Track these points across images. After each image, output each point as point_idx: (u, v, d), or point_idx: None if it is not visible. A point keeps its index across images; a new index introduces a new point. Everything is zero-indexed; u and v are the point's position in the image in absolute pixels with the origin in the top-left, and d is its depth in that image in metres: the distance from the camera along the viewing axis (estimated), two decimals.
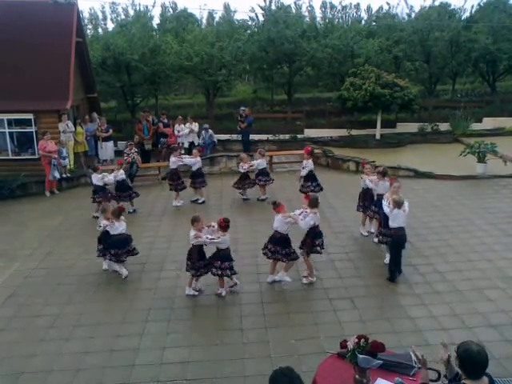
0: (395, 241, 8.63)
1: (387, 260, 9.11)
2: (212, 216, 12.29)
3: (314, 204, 8.44)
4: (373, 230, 10.50)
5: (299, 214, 8.38)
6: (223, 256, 8.11)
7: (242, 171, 13.31)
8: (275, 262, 8.52)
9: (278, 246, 8.35)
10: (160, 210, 13.06)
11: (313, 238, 8.46)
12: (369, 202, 10.46)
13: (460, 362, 3.80)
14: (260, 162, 13.35)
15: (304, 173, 12.74)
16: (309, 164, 12.72)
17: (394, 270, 8.63)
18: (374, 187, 10.17)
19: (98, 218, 11.93)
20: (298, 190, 12.86)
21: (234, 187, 13.58)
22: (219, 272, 8.10)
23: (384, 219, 9.05)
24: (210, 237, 8.00)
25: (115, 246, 8.92)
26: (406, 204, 8.58)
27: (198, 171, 13.36)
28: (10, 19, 16.48)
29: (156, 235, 11.16)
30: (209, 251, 8.34)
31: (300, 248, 8.60)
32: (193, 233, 8.02)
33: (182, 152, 17.95)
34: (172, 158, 13.33)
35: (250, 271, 8.92)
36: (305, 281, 8.59)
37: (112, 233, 8.91)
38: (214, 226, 8.19)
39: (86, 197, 13.48)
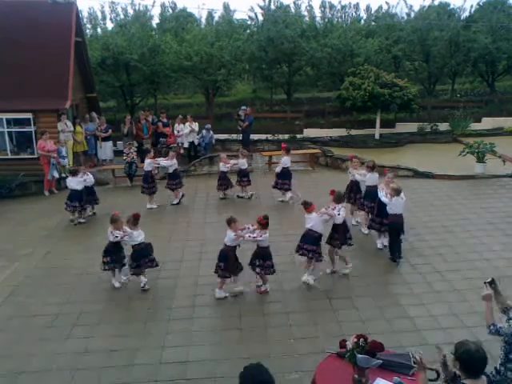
0: (394, 226, 9.20)
1: (380, 245, 9.92)
2: (210, 214, 12.31)
3: (340, 199, 8.67)
4: (359, 220, 11.18)
5: (333, 210, 8.50)
6: (264, 254, 8.13)
7: (225, 170, 13.36)
8: (309, 262, 8.52)
9: (315, 246, 8.35)
10: (158, 209, 13.05)
11: (344, 232, 8.69)
12: (355, 193, 11.05)
13: (461, 363, 3.79)
14: (243, 162, 13.45)
15: (278, 169, 12.96)
16: (283, 160, 12.95)
17: (395, 250, 9.25)
18: (363, 179, 10.74)
19: (80, 223, 11.88)
20: (272, 186, 13.22)
21: (218, 189, 13.62)
22: (261, 271, 8.15)
23: (378, 208, 9.70)
24: (252, 235, 7.98)
25: (136, 258, 8.35)
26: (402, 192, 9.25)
27: (174, 172, 13.28)
28: (9, 19, 16.47)
29: (155, 235, 11.11)
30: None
31: (329, 244, 8.75)
32: (232, 233, 7.98)
33: (181, 152, 18.06)
34: (146, 160, 13.14)
35: (249, 271, 8.89)
36: (346, 271, 8.79)
37: (132, 243, 8.37)
38: (248, 228, 8.15)
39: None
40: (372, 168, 10.63)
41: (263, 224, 7.97)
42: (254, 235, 7.96)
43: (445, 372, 4.08)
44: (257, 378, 3.26)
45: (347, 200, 11.10)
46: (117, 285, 8.64)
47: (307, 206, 8.43)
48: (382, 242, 9.94)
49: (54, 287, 8.83)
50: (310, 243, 8.36)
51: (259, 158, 17.25)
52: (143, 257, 8.41)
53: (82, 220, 12.07)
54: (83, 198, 12.00)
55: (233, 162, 13.53)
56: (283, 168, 12.91)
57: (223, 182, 13.45)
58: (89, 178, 12.14)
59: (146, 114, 17.75)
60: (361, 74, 19.87)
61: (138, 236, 8.37)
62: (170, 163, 13.19)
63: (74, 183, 11.83)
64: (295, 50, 22.14)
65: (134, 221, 8.37)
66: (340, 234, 8.67)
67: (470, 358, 3.75)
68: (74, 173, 12.01)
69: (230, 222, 8.02)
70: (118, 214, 8.66)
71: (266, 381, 3.26)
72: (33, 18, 16.54)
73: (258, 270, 8.17)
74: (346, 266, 8.88)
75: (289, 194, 13.02)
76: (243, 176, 13.53)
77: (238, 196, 13.61)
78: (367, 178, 10.66)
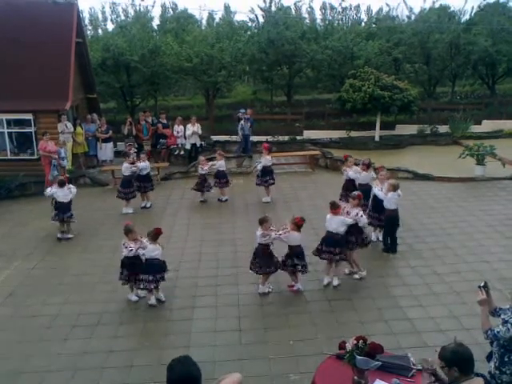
0: (391, 220, 9.63)
1: (374, 238, 10.22)
2: (209, 215, 12.32)
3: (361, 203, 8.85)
4: None
5: (356, 215, 8.52)
6: (296, 253, 8.16)
7: (203, 172, 13.29)
8: (331, 263, 8.54)
9: (337, 247, 8.37)
10: (159, 210, 13.04)
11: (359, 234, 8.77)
12: (351, 192, 10.92)
13: (457, 366, 3.79)
14: (221, 164, 13.47)
15: (259, 167, 13.23)
16: (263, 160, 13.19)
17: (394, 242, 9.73)
18: (357, 176, 10.99)
19: (61, 239, 11.10)
20: (255, 183, 13.47)
21: (194, 189, 13.52)
22: (293, 269, 8.20)
23: (373, 204, 10.03)
24: (278, 233, 8.07)
25: (146, 272, 7.95)
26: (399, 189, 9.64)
27: (147, 175, 13.16)
28: (9, 19, 16.48)
29: None
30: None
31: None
32: (259, 232, 8.09)
33: (181, 153, 18.03)
34: (125, 164, 12.79)
35: (248, 272, 8.90)
36: (357, 276, 8.77)
37: (146, 256, 7.99)
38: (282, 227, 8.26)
39: (85, 197, 13.51)
40: (368, 166, 10.90)
41: (298, 225, 8.02)
42: (280, 233, 8.05)
43: (439, 382, 4.10)
44: (184, 370, 3.31)
45: (341, 198, 11.26)
46: (134, 298, 8.26)
47: (335, 207, 8.39)
48: (377, 235, 10.34)
49: (54, 288, 8.83)
50: (339, 246, 8.37)
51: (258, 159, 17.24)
52: (154, 272, 7.96)
53: (70, 235, 11.28)
54: (71, 210, 11.26)
55: (211, 163, 13.45)
56: (265, 167, 13.10)
57: (204, 184, 13.36)
58: (73, 192, 11.35)
59: (145, 115, 17.75)
60: (361, 76, 19.88)
61: (154, 251, 7.96)
62: (145, 165, 13.06)
63: (61, 194, 11.07)
64: (296, 52, 22.15)
65: (155, 236, 7.98)
66: (353, 236, 8.75)
67: (461, 357, 3.77)
68: (61, 184, 11.20)
69: (262, 222, 8.12)
70: (130, 223, 8.39)
71: (193, 374, 3.31)
72: (33, 18, 16.53)
73: (290, 269, 8.23)
74: (359, 272, 8.95)
75: (268, 198, 13.22)
76: (222, 177, 13.51)
77: (219, 199, 13.58)
78: (362, 176, 10.89)
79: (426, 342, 6.76)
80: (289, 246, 8.22)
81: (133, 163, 12.95)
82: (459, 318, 7.38)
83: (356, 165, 11.66)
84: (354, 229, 8.62)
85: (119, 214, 12.61)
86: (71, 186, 11.60)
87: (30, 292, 8.70)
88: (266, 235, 8.04)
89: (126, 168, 12.77)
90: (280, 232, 8.07)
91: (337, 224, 8.33)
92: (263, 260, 8.20)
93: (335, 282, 8.54)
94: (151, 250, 7.97)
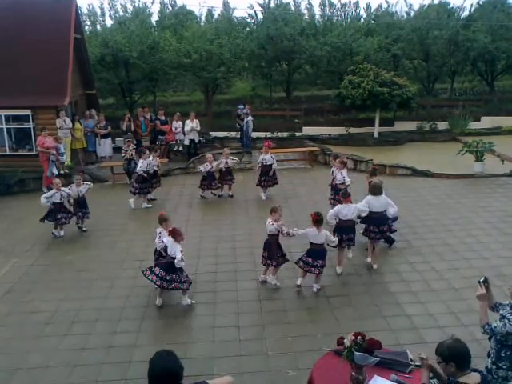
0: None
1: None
2: (209, 211, 12.32)
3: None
4: None
5: None
6: (311, 252, 8.05)
7: (208, 170, 13.21)
8: (343, 251, 8.82)
9: (352, 234, 8.70)
10: (158, 206, 13.01)
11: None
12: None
13: (454, 361, 3.80)
14: (226, 161, 13.47)
15: (275, 166, 13.14)
16: (273, 157, 13.22)
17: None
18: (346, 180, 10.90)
19: (57, 236, 10.97)
20: (256, 184, 13.32)
21: (200, 188, 13.50)
22: (306, 268, 8.08)
23: None
24: (288, 230, 8.13)
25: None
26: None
27: (155, 173, 13.26)
28: (8, 15, 16.42)
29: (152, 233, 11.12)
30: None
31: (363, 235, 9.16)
32: (274, 224, 8.10)
33: (180, 149, 18.03)
34: (140, 161, 12.82)
35: (246, 268, 8.92)
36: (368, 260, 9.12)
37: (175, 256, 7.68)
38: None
39: None
40: (345, 164, 11.07)
41: (314, 220, 7.92)
42: (294, 229, 8.15)
43: (438, 379, 4.11)
44: (164, 364, 3.34)
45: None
46: (159, 303, 7.99)
47: (346, 196, 8.61)
48: None
49: (52, 284, 8.84)
50: (346, 233, 8.65)
51: (258, 156, 17.23)
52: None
53: (62, 233, 11.11)
54: (64, 216, 10.93)
55: (223, 161, 13.43)
56: (264, 166, 13.04)
57: (211, 181, 13.32)
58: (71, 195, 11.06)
59: (144, 111, 17.71)
60: (360, 72, 19.86)
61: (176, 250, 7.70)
62: (156, 163, 13.18)
63: (56, 195, 10.77)
64: (294, 48, 22.13)
65: (178, 238, 7.72)
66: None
67: (458, 352, 3.79)
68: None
69: (272, 211, 8.19)
70: (165, 213, 8.52)
71: (172, 368, 3.35)
72: (32, 15, 16.48)
73: (301, 264, 8.09)
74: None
75: (266, 193, 13.25)
76: (227, 174, 13.51)
77: (219, 195, 13.56)
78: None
79: (424, 339, 6.78)
80: (310, 242, 8.10)
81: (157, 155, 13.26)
82: (457, 315, 7.40)
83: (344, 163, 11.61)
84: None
85: (118, 210, 12.64)
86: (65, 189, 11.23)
87: (29, 288, 8.70)
88: (280, 231, 8.14)
89: (141, 164, 12.75)
90: (295, 229, 8.17)
91: (352, 212, 8.58)
92: (277, 251, 8.23)
93: (339, 270, 8.79)
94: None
